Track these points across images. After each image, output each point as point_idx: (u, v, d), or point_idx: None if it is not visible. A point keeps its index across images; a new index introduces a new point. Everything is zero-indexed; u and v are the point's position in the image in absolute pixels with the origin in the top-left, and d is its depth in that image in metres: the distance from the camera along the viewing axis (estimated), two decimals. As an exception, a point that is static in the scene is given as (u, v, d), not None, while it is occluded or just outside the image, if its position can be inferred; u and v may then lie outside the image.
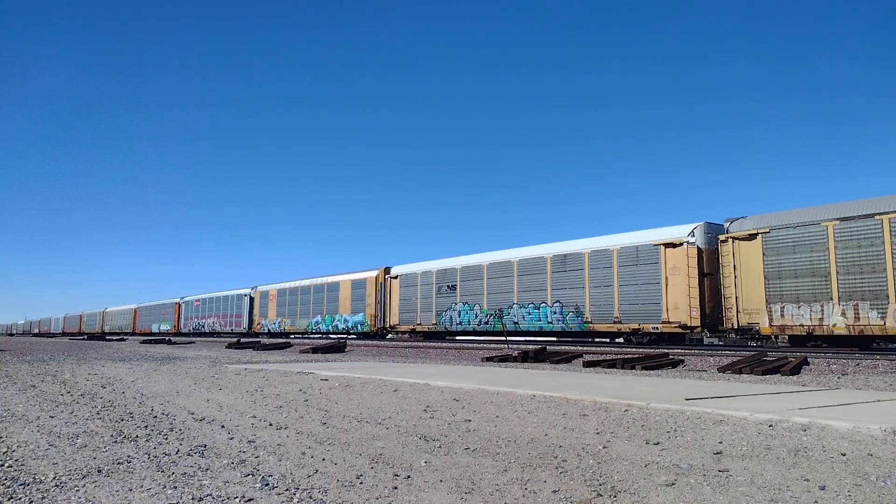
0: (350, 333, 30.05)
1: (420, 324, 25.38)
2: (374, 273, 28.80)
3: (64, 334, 73.45)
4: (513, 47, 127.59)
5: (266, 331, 37.17)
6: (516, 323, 21.12)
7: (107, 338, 47.04)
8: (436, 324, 24.52)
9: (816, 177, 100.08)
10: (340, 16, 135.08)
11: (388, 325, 27.43)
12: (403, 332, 27.06)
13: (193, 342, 32.01)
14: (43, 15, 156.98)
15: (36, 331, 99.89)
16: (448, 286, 24.26)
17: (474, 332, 23.34)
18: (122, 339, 41.88)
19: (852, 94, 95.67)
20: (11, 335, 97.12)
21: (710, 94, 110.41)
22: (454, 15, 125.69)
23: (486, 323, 22.20)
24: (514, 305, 21.38)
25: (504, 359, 14.27)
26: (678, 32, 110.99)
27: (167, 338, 39.27)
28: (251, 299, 39.41)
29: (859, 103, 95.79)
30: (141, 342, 34.31)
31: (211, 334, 43.83)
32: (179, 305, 50.25)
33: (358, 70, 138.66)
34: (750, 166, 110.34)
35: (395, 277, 27.15)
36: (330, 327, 31.40)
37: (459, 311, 23.46)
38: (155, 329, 54.70)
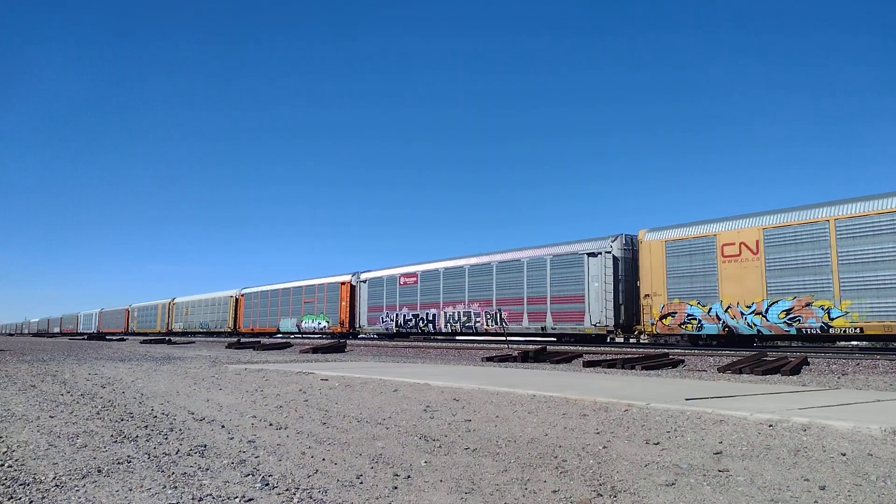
0: None
1: None
2: None
3: (100, 334, 56.64)
4: (513, 47, 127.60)
5: (710, 332, 15.81)
6: None
7: (106, 338, 46.72)
8: None
9: (816, 177, 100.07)
10: (341, 15, 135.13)
11: None
12: None
13: (193, 342, 32.00)
14: (43, 15, 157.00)
15: (56, 330, 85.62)
16: None
17: None
18: (122, 339, 41.80)
19: (852, 95, 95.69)
20: (12, 335, 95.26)
21: (709, 93, 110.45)
22: (455, 15, 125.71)
23: None
24: None
25: (504, 359, 14.28)
26: (678, 32, 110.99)
27: (166, 338, 39.00)
28: (616, 260, 18.28)
29: (859, 103, 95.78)
30: (141, 342, 34.29)
31: (460, 335, 23.57)
32: (352, 287, 29.85)
33: (358, 70, 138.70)
34: (751, 166, 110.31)
35: None
36: None
37: None
38: (288, 327, 33.89)
